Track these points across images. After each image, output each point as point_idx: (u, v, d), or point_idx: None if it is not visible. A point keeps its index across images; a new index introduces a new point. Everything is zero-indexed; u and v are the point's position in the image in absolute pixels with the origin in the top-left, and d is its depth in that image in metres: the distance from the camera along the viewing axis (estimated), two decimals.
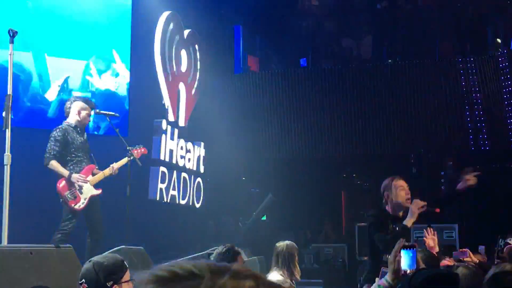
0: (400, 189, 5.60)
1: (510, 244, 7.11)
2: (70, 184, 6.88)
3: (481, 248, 7.55)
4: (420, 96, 11.88)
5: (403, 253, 3.37)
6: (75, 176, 6.88)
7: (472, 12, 12.70)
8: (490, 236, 10.28)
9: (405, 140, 12.07)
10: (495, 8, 11.93)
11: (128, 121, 10.68)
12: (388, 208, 5.63)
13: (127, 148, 7.36)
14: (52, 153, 6.90)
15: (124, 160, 7.26)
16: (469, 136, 11.76)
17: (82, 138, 7.13)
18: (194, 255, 7.20)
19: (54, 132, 7.01)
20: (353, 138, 12.32)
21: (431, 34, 12.83)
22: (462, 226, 11.81)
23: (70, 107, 7.15)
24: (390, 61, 12.79)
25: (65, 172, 6.86)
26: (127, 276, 3.42)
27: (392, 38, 13.55)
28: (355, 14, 14.50)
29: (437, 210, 5.81)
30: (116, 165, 7.21)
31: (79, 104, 7.14)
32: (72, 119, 7.11)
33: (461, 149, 12.15)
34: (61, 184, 6.87)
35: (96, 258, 3.47)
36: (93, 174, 7.12)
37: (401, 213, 5.59)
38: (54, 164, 6.86)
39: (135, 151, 7.48)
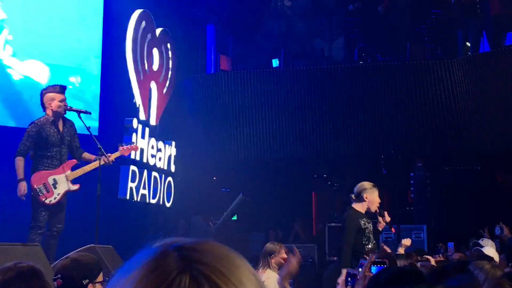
0: (377, 196, 6.74)
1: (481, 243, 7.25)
2: (44, 178, 6.81)
3: (450, 244, 7.70)
4: (391, 97, 11.99)
5: (374, 269, 3.40)
6: (22, 185, 6.78)
7: (442, 15, 12.84)
8: (457, 236, 10.45)
9: (375, 141, 12.17)
10: (465, 12, 12.07)
11: (98, 119, 10.60)
12: (360, 205, 6.71)
13: (118, 145, 7.36)
14: (21, 148, 6.83)
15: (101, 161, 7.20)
16: (438, 138, 11.90)
17: (59, 132, 7.01)
18: None
19: (29, 127, 6.94)
20: (324, 139, 12.37)
21: (402, 37, 12.95)
22: (430, 226, 11.97)
23: (42, 101, 7.06)
24: (361, 62, 12.87)
25: (19, 175, 6.79)
26: (101, 276, 3.41)
27: (363, 40, 13.65)
28: (328, 15, 14.57)
29: (393, 230, 7.37)
30: (89, 167, 7.16)
31: (47, 95, 7.03)
32: (48, 111, 7.02)
33: (431, 151, 12.29)
34: (36, 177, 6.81)
35: (73, 255, 3.46)
36: (73, 169, 7.06)
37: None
38: (17, 162, 6.80)
39: (123, 148, 7.46)
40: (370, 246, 6.60)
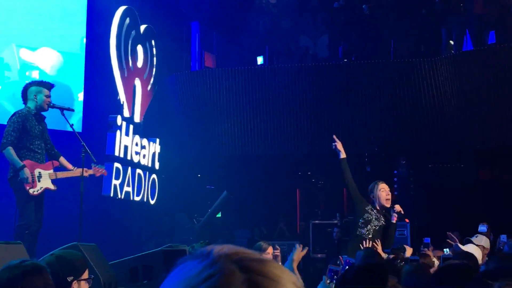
0: (381, 191, 6.87)
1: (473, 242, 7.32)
2: (31, 168, 6.77)
3: (427, 240, 7.75)
4: (375, 95, 12.03)
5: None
6: (27, 172, 6.74)
7: (426, 13, 12.90)
8: (440, 233, 10.52)
9: (359, 138, 12.21)
10: (449, 10, 12.15)
11: (82, 116, 10.55)
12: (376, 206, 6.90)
13: (92, 164, 7.28)
14: (9, 139, 6.74)
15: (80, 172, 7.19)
16: (422, 136, 11.96)
17: (40, 126, 7.00)
18: (148, 252, 7.16)
19: (14, 118, 6.87)
20: (308, 136, 12.40)
21: (386, 34, 13.01)
22: (414, 224, 12.04)
23: (25, 93, 7.01)
24: (345, 60, 12.91)
25: (18, 162, 6.72)
26: (86, 274, 3.40)
27: (348, 38, 13.68)
28: (312, 12, 14.59)
29: (406, 220, 7.55)
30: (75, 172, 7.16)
31: (33, 89, 7.00)
32: (31, 104, 6.98)
33: (414, 148, 12.36)
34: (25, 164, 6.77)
35: (58, 252, 3.45)
36: (55, 170, 7.04)
37: (383, 210, 6.88)
38: (10, 151, 6.71)
39: (96, 168, 7.38)
40: (364, 231, 6.70)
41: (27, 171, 6.73)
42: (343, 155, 7.07)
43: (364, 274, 2.86)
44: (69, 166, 7.21)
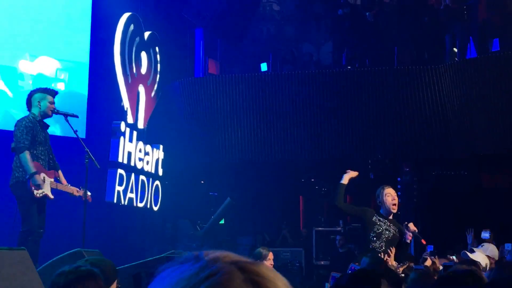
0: (387, 196, 6.75)
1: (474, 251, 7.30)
2: (39, 170, 6.76)
3: (430, 247, 7.74)
4: (378, 102, 12.03)
5: None
6: (39, 178, 6.73)
7: (430, 20, 12.90)
8: (443, 240, 10.51)
9: (363, 145, 12.20)
10: (453, 17, 12.14)
11: (86, 122, 10.57)
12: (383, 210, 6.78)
13: (80, 186, 7.24)
14: (26, 143, 6.71)
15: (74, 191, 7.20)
16: (425, 143, 11.95)
17: (44, 133, 7.00)
18: (151, 258, 7.15)
19: (24, 122, 6.82)
20: (311, 143, 12.39)
21: (390, 42, 13.01)
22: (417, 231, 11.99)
23: (30, 100, 7.02)
24: (349, 67, 12.91)
25: (31, 169, 6.69)
26: (114, 285, 3.41)
27: (352, 45, 13.68)
28: (316, 19, 14.60)
29: (423, 241, 7.04)
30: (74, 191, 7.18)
31: (37, 96, 7.01)
32: (35, 110, 6.97)
33: (418, 155, 12.34)
34: (35, 165, 6.76)
35: (93, 260, 3.47)
36: (55, 180, 7.04)
37: (390, 216, 6.76)
38: (27, 156, 6.69)
39: (83, 191, 7.34)
40: (377, 244, 6.51)
41: (38, 177, 6.72)
42: (345, 181, 6.93)
43: (356, 280, 2.86)
44: (64, 181, 7.21)
